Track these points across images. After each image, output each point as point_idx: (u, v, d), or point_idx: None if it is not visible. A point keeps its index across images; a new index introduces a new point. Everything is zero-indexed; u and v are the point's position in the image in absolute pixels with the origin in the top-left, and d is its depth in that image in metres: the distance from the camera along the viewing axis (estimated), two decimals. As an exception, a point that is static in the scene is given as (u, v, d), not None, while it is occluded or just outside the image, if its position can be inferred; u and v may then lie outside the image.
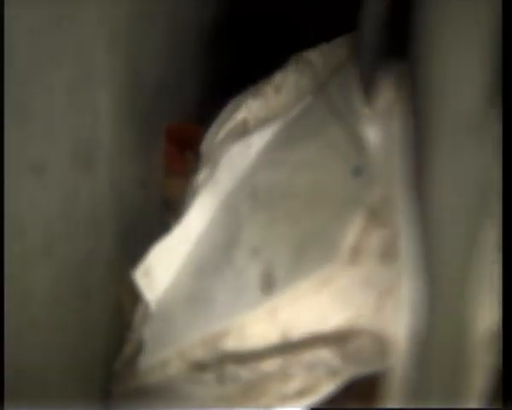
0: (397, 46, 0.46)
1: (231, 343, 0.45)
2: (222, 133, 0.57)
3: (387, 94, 0.48)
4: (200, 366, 0.46)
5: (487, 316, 0.39)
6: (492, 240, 0.39)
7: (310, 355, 0.43)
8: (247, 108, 0.57)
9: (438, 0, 0.40)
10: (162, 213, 0.63)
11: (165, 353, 0.48)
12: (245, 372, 0.45)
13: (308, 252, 0.46)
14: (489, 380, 0.39)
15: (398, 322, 0.41)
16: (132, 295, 0.54)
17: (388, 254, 0.44)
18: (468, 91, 0.39)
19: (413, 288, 0.41)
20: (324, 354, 0.43)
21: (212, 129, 0.59)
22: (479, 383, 0.39)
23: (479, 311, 0.39)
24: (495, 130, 0.39)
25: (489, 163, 0.39)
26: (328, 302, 0.43)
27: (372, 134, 0.48)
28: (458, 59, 0.39)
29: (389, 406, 0.41)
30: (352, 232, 0.44)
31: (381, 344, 0.42)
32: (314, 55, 0.60)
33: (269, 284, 0.46)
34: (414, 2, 0.42)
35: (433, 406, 0.40)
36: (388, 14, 0.48)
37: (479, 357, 0.38)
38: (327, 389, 0.43)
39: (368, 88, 0.50)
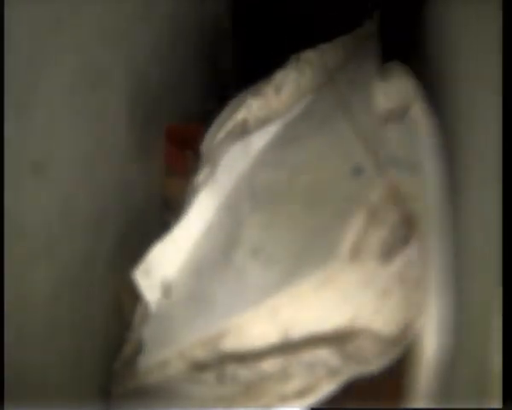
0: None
1: (231, 343, 0.45)
2: (222, 133, 0.57)
3: (402, 86, 0.48)
4: (200, 366, 0.46)
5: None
6: None
7: (310, 355, 0.43)
8: (247, 108, 0.57)
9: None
10: (162, 213, 0.63)
11: (165, 353, 0.48)
12: (245, 372, 0.45)
13: (308, 252, 0.46)
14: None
15: (427, 337, 0.41)
16: (132, 295, 0.54)
17: (388, 253, 0.44)
18: (486, 90, 0.38)
19: (443, 307, 0.41)
20: (324, 354, 0.43)
21: (212, 129, 0.59)
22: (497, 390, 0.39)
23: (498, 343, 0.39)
24: None
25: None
26: (328, 302, 0.43)
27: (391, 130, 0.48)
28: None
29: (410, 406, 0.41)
30: (351, 232, 0.44)
31: (380, 344, 0.42)
32: (314, 55, 0.60)
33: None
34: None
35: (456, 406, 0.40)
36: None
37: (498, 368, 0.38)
38: (327, 389, 0.43)
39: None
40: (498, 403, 0.34)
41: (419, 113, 0.47)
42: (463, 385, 0.39)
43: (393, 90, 0.50)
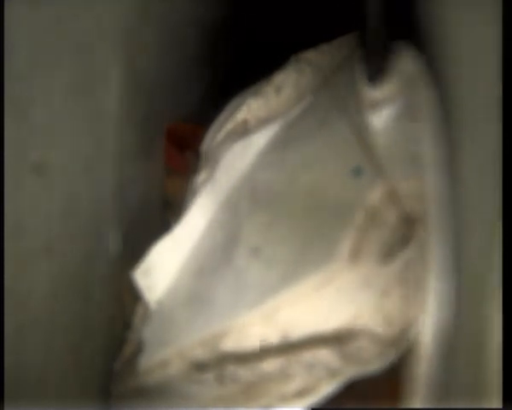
0: (409, 27, 0.47)
1: (231, 343, 0.45)
2: (222, 133, 0.57)
3: (405, 68, 0.48)
4: (200, 366, 0.46)
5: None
6: None
7: (310, 355, 0.43)
8: (247, 108, 0.57)
9: None
10: (162, 213, 0.63)
11: (165, 353, 0.48)
12: (245, 372, 0.45)
13: (308, 252, 0.46)
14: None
15: (425, 322, 0.41)
16: (132, 295, 0.54)
17: (388, 254, 0.44)
18: (487, 78, 0.38)
19: (440, 289, 0.41)
20: (324, 355, 0.43)
21: (212, 129, 0.59)
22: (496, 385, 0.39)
23: (498, 316, 0.39)
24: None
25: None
26: (328, 302, 0.43)
27: (381, 118, 0.48)
28: (476, 45, 0.38)
29: (408, 406, 0.41)
30: (351, 233, 0.44)
31: (380, 344, 0.42)
32: (314, 55, 0.60)
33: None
34: None
35: (456, 406, 0.40)
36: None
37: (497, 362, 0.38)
38: (327, 389, 0.43)
39: (376, 70, 0.50)
40: (498, 399, 0.34)
41: (423, 101, 0.47)
42: (462, 382, 0.39)
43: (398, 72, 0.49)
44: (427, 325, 0.41)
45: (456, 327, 0.41)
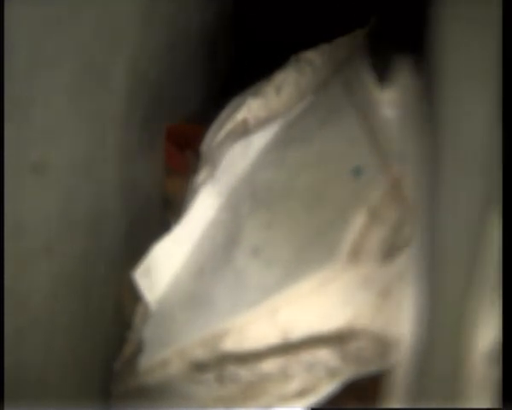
0: (414, 40, 0.47)
1: (231, 343, 0.45)
2: (222, 133, 0.57)
3: (402, 81, 0.49)
4: (200, 366, 0.46)
5: (488, 332, 0.39)
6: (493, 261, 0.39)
7: (310, 355, 0.43)
8: (247, 108, 0.57)
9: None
10: (162, 213, 0.63)
11: (165, 353, 0.48)
12: (245, 372, 0.45)
13: (308, 252, 0.46)
14: (492, 392, 0.39)
15: (401, 323, 0.41)
16: (132, 295, 0.54)
17: (388, 253, 0.44)
18: (480, 128, 0.38)
19: (416, 292, 0.41)
20: (324, 355, 0.43)
21: (212, 129, 0.59)
22: (480, 395, 0.39)
23: (480, 325, 0.38)
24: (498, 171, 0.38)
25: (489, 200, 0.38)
26: (328, 302, 0.43)
27: (389, 115, 0.48)
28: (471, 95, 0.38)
29: (390, 406, 0.41)
30: (352, 232, 0.44)
31: (381, 344, 0.42)
32: (314, 55, 0.60)
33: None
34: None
35: (434, 406, 0.40)
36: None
37: (480, 371, 0.38)
38: (327, 389, 0.43)
39: (382, 75, 0.50)
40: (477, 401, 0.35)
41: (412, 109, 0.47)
42: (437, 382, 0.39)
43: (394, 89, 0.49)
44: (404, 325, 0.41)
45: (432, 332, 0.40)
